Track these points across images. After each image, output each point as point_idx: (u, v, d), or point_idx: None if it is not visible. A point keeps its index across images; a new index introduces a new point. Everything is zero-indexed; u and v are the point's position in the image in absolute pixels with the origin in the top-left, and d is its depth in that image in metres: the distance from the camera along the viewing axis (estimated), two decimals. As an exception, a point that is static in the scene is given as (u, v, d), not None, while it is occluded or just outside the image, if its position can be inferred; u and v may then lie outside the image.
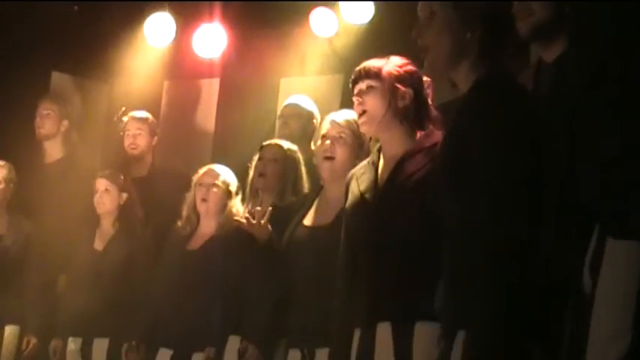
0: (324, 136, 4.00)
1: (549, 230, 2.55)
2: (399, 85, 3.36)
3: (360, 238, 3.35)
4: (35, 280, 5.44)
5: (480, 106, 2.64)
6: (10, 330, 5.39)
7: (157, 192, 5.55)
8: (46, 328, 5.36)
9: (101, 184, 5.29)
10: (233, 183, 4.93)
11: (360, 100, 3.39)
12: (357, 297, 3.32)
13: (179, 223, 4.99)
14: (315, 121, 5.30)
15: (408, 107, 3.37)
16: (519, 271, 2.51)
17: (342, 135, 3.95)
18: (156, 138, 5.77)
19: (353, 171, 3.54)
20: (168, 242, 5.04)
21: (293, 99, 5.46)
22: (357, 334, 3.30)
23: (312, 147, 4.91)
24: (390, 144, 3.38)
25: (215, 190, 4.89)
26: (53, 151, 5.94)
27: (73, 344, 5.15)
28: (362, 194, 3.35)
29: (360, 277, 3.31)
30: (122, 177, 5.36)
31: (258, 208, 4.21)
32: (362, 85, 3.39)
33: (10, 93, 6.11)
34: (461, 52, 2.77)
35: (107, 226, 5.32)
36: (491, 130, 2.59)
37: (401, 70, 3.39)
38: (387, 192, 3.28)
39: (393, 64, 3.41)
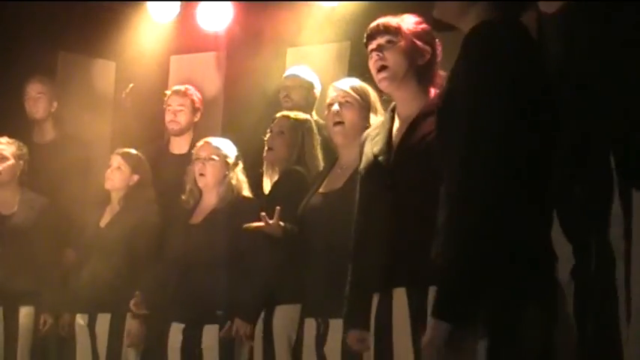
0: (330, 104, 4.02)
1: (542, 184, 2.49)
2: (418, 42, 3.31)
3: (374, 201, 3.33)
4: (47, 256, 5.45)
5: (469, 44, 2.52)
6: (25, 311, 5.40)
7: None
8: (60, 306, 5.39)
9: (115, 160, 5.31)
10: (231, 154, 4.93)
11: (380, 55, 3.30)
12: (373, 261, 3.30)
13: (182, 197, 4.99)
14: (315, 90, 5.34)
15: (425, 65, 3.33)
16: (493, 226, 2.39)
17: (348, 99, 3.98)
18: (199, 114, 5.67)
19: (367, 132, 3.51)
20: (174, 216, 5.07)
21: (293, 70, 5.49)
22: (375, 300, 3.28)
23: (315, 116, 4.94)
24: (406, 103, 3.33)
25: (212, 162, 4.89)
26: (45, 131, 5.97)
27: (81, 320, 5.19)
28: (375, 156, 3.31)
29: (375, 241, 3.29)
30: (138, 157, 5.35)
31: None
32: (381, 40, 3.31)
33: (18, 73, 6.09)
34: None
35: (114, 203, 5.34)
36: (474, 66, 2.46)
37: (419, 28, 3.35)
38: (400, 154, 3.24)
39: (410, 21, 3.35)
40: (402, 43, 3.29)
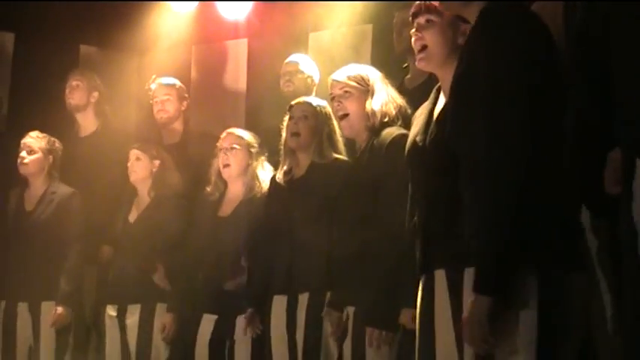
0: (332, 98, 4.02)
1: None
2: (459, 21, 3.21)
3: (415, 183, 3.30)
4: (71, 248, 5.43)
5: (481, 26, 2.57)
6: (49, 306, 5.38)
7: (191, 157, 5.55)
8: (80, 297, 5.41)
9: (133, 154, 5.34)
10: (254, 144, 4.90)
11: (420, 35, 3.25)
12: (417, 244, 3.27)
13: (207, 189, 4.98)
14: (314, 79, 5.45)
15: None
16: (524, 196, 2.47)
17: (346, 89, 3.96)
18: (185, 103, 5.77)
19: (416, 112, 3.45)
20: (199, 208, 5.06)
21: (293, 57, 5.55)
22: (421, 282, 3.24)
23: None
24: (446, 82, 3.20)
25: (234, 152, 4.87)
26: (86, 123, 5.93)
27: (112, 311, 5.20)
28: (415, 137, 3.27)
29: (418, 223, 3.25)
30: (154, 146, 5.38)
31: None
32: (421, 20, 3.26)
33: (40, 68, 6.09)
34: None
35: (143, 196, 5.35)
36: (487, 45, 2.54)
37: None
38: (436, 136, 3.17)
39: None
40: (442, 22, 3.23)
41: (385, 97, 3.94)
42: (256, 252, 4.62)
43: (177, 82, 5.80)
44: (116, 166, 5.51)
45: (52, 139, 5.58)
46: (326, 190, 4.23)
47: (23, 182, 5.57)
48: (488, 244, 2.48)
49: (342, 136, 4.41)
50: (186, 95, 5.83)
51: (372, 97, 3.93)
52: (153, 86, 5.74)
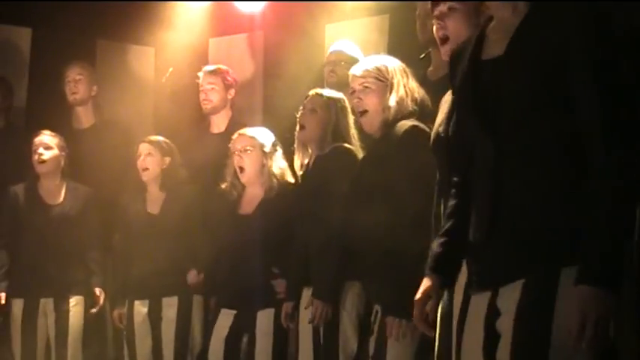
0: (351, 93, 3.96)
1: None
2: (482, 7, 2.99)
3: (441, 172, 3.20)
4: (97, 243, 5.49)
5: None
6: (75, 301, 5.42)
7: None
8: (109, 290, 5.43)
9: (144, 148, 5.33)
10: (267, 142, 4.88)
11: (442, 23, 3.11)
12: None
13: (223, 187, 4.96)
14: None
15: None
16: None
17: (365, 84, 3.88)
18: (232, 91, 5.65)
19: (443, 99, 3.33)
20: (217, 206, 5.04)
21: (337, 45, 5.41)
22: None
23: None
24: None
25: (248, 154, 4.85)
26: (85, 117, 5.95)
27: (142, 307, 5.20)
28: (438, 127, 3.19)
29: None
30: (164, 140, 5.37)
31: None
32: (443, 7, 3.11)
33: (57, 63, 6.09)
34: None
35: (155, 191, 5.35)
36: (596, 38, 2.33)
37: None
38: (459, 123, 3.12)
39: None
40: (464, 8, 3.08)
41: (403, 92, 3.85)
42: (290, 246, 4.60)
43: (224, 68, 5.67)
44: (121, 157, 5.53)
45: (61, 137, 5.59)
46: (324, 180, 4.23)
47: (32, 178, 5.55)
48: (612, 236, 2.22)
49: (358, 130, 4.38)
50: (233, 82, 5.67)
51: (389, 93, 3.84)
52: (200, 74, 5.64)
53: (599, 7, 2.41)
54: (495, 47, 2.50)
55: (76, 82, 5.89)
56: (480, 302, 2.45)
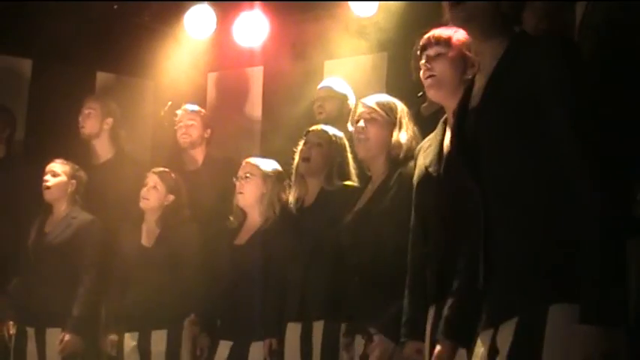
0: (357, 120, 4.03)
1: None
2: (468, 53, 3.26)
3: (428, 213, 3.31)
4: (84, 274, 5.38)
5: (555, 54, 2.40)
6: (52, 332, 5.33)
7: (211, 182, 5.52)
8: (87, 325, 5.33)
9: (151, 179, 5.30)
10: (269, 171, 4.90)
11: (429, 66, 3.31)
12: (429, 273, 3.27)
13: (231, 218, 4.99)
14: (349, 102, 5.34)
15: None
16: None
17: (373, 115, 3.97)
18: (209, 131, 5.77)
19: (421, 144, 3.50)
20: (219, 236, 5.06)
21: (327, 82, 5.52)
22: (431, 311, 3.25)
23: (350, 128, 4.91)
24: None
25: (247, 180, 4.88)
26: (102, 151, 5.94)
27: (131, 340, 5.16)
28: (426, 168, 3.30)
29: (431, 251, 3.26)
30: (173, 176, 5.34)
31: None
32: (430, 52, 3.32)
33: (57, 94, 6.12)
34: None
35: (151, 223, 5.32)
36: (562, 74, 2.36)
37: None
38: (450, 166, 3.19)
39: (463, 33, 3.19)
40: (451, 54, 3.29)
41: (411, 133, 3.96)
42: (270, 280, 4.63)
43: (202, 110, 5.85)
44: (133, 193, 5.53)
45: (76, 166, 5.58)
46: (335, 215, 4.23)
47: (48, 208, 5.55)
48: (608, 272, 2.20)
49: (355, 163, 4.44)
50: (211, 124, 5.83)
51: (399, 130, 3.95)
52: (179, 112, 5.76)
53: (568, 42, 2.47)
54: (476, 97, 2.56)
55: (85, 117, 5.89)
56: (484, 340, 2.47)
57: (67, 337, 5.27)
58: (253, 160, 5.01)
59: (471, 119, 2.53)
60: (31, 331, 5.36)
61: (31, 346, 5.36)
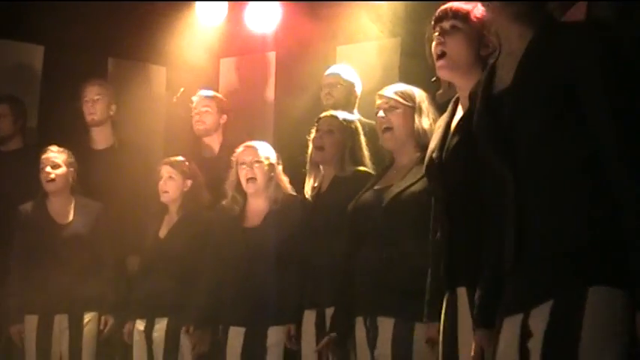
0: (377, 112, 4.01)
1: None
2: (485, 32, 3.08)
3: (436, 199, 3.27)
4: (109, 260, 5.46)
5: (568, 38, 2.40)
6: (89, 317, 5.41)
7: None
8: (122, 308, 5.38)
9: (165, 170, 5.29)
10: (272, 156, 4.91)
11: (442, 40, 3.10)
12: (441, 260, 3.23)
13: (224, 203, 4.95)
14: (356, 89, 5.38)
15: (490, 55, 3.07)
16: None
17: (392, 104, 3.96)
18: (225, 117, 5.73)
19: (437, 123, 3.39)
20: (218, 223, 5.02)
21: (334, 68, 5.53)
22: (445, 298, 3.21)
23: (357, 114, 4.91)
24: (466, 92, 3.02)
25: (258, 165, 4.86)
26: (102, 136, 5.92)
27: (140, 326, 5.19)
28: (431, 152, 3.23)
29: (441, 239, 3.21)
30: (187, 163, 5.32)
31: None
32: (446, 25, 3.11)
33: (69, 81, 6.11)
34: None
35: (172, 213, 5.32)
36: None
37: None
38: (454, 150, 3.13)
39: (481, 9, 3.07)
40: (467, 30, 3.10)
41: (433, 116, 3.92)
42: (291, 263, 4.62)
43: (218, 95, 5.80)
44: (139, 178, 5.52)
45: (69, 152, 5.56)
46: (348, 202, 4.21)
47: (41, 196, 5.53)
48: None
49: (369, 147, 4.44)
50: (227, 109, 5.78)
51: (420, 116, 3.93)
52: (194, 98, 5.72)
53: (604, 27, 2.46)
54: (504, 79, 2.52)
55: (94, 103, 5.85)
56: (512, 325, 2.46)
57: (109, 319, 5.38)
58: (256, 144, 4.95)
59: (500, 103, 2.51)
60: (61, 318, 5.36)
61: (57, 335, 5.37)
